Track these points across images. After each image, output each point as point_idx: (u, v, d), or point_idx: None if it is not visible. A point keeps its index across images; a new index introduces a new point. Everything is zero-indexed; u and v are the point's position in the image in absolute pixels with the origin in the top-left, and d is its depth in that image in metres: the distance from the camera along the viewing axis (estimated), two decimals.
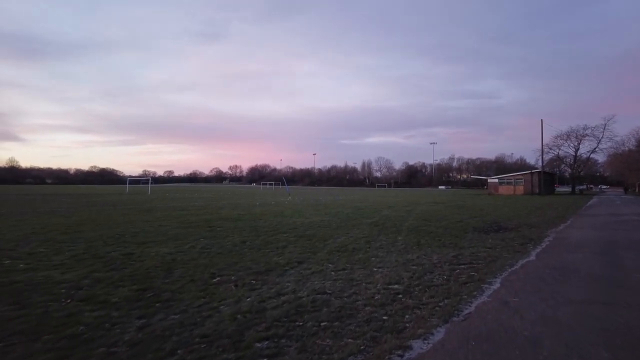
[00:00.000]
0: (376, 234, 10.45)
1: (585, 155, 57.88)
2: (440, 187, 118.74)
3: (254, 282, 5.44)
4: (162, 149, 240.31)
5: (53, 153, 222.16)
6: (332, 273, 5.88)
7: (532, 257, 7.27)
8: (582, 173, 65.27)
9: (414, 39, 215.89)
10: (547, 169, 55.65)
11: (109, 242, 8.86)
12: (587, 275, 5.86)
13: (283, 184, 48.30)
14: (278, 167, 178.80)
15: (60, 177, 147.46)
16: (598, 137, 54.01)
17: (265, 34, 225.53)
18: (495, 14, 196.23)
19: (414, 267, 6.31)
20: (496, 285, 5.17)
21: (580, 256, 7.49)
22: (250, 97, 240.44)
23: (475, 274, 5.83)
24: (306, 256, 7.28)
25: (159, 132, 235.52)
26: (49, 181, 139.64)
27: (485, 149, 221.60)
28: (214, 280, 5.57)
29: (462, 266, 6.37)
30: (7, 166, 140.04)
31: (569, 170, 62.23)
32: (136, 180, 74.29)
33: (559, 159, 60.10)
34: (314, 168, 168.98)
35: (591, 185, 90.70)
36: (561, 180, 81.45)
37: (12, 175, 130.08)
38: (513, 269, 6.25)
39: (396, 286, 5.07)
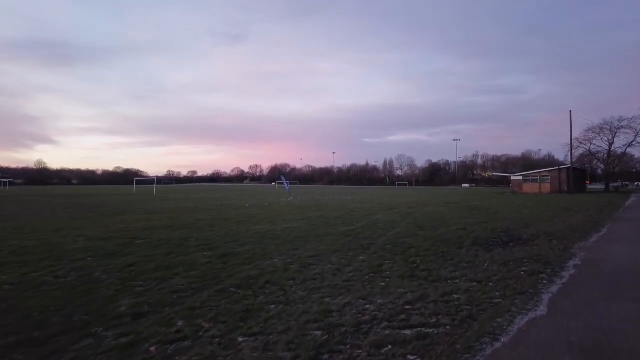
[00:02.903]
0: (333, 252, 7.67)
1: (620, 150, 52.25)
2: (464, 185, 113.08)
3: None
4: (187, 149, 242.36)
5: (84, 155, 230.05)
6: (150, 350, 3.17)
7: (542, 310, 4.16)
8: (616, 169, 59.19)
9: (438, 35, 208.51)
10: (577, 165, 50.41)
11: None
12: None
13: (282, 183, 45.88)
14: (298, 166, 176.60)
15: (87, 178, 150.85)
16: (636, 130, 48.24)
17: (287, 34, 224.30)
18: (522, 6, 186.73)
19: (317, 332, 3.50)
20: None
21: (632, 308, 4.28)
22: (273, 97, 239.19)
23: None
24: (174, 299, 4.61)
25: (184, 133, 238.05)
26: (75, 182, 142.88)
27: (511, 145, 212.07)
28: None
29: (406, 333, 3.47)
30: (36, 167, 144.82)
31: (602, 166, 56.45)
32: (159, 181, 74.12)
33: (590, 154, 54.42)
34: (334, 167, 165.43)
35: (627, 182, 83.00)
36: (593, 177, 74.91)
37: (41, 177, 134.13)
38: (497, 346, 3.24)
39: None
